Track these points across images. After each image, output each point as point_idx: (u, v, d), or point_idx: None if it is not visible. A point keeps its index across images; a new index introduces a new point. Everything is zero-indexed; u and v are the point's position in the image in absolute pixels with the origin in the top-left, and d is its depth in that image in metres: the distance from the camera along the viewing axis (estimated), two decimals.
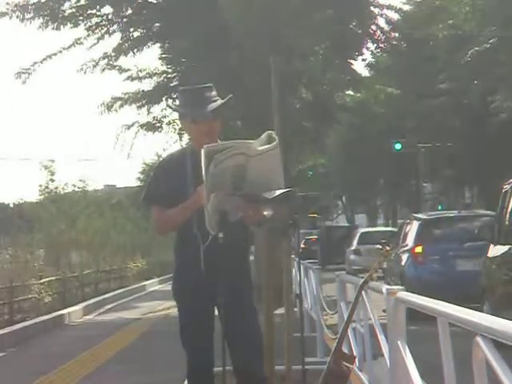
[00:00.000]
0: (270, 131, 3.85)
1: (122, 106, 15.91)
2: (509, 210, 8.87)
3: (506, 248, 8.55)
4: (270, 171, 3.74)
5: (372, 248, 22.86)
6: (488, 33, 27.85)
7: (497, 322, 2.33)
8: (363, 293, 5.55)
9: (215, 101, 4.10)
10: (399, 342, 3.87)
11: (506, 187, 8.97)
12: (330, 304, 10.00)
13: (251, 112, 14.81)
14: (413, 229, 13.45)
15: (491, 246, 9.20)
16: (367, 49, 16.91)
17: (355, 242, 27.40)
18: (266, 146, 3.71)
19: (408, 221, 14.52)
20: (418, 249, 12.86)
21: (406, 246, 13.24)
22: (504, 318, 2.35)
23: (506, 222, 8.96)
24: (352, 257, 27.21)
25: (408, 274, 12.77)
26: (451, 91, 31.11)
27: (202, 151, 3.64)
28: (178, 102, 4.40)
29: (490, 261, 9.24)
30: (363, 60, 17.32)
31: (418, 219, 13.86)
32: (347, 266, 26.59)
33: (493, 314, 2.67)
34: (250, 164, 3.65)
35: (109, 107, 15.92)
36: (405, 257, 13.07)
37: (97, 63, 15.06)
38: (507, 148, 31.10)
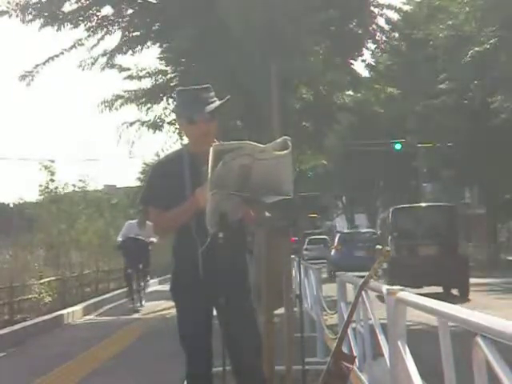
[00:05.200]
0: (287, 137, 3.79)
1: (122, 104, 15.89)
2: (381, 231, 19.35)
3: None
4: (276, 177, 3.71)
5: (314, 247, 44.21)
6: (488, 33, 27.84)
7: (497, 322, 2.33)
8: (363, 293, 5.55)
9: (213, 102, 4.08)
10: (399, 342, 3.87)
11: (383, 215, 16.23)
12: (330, 304, 10.01)
13: (251, 112, 14.80)
14: (337, 236, 30.47)
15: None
16: (367, 49, 16.91)
17: (306, 243, 44.90)
18: (277, 153, 3.69)
19: (336, 233, 33.08)
20: (338, 246, 28.11)
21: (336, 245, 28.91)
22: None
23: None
24: (304, 252, 42.28)
25: (333, 258, 27.59)
26: (451, 91, 31.10)
27: (211, 150, 3.61)
28: (175, 103, 4.38)
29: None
30: (363, 61, 17.27)
31: (339, 232, 33.28)
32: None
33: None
34: (255, 166, 3.63)
35: (109, 105, 15.89)
36: (333, 250, 28.56)
37: (96, 60, 15.04)
38: (507, 148, 31.10)
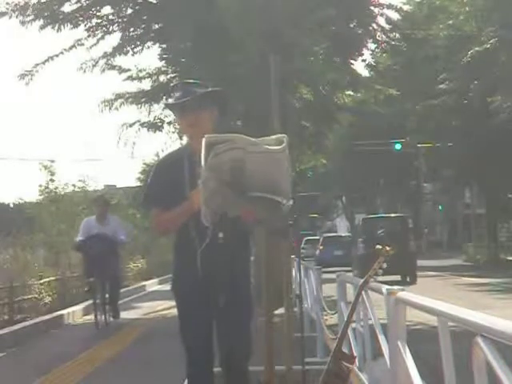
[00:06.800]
0: (283, 135, 3.78)
1: (122, 104, 15.88)
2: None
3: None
4: (271, 174, 3.65)
5: (309, 247, 43.53)
6: (488, 33, 27.86)
7: (497, 322, 2.33)
8: (363, 293, 5.55)
9: None
10: (399, 342, 3.87)
11: (359, 221, 25.12)
12: (330, 304, 10.00)
13: (251, 112, 14.80)
14: (320, 239, 37.03)
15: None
16: (367, 49, 16.90)
17: (303, 243, 46.34)
18: (269, 147, 3.65)
19: (322, 236, 39.31)
20: (321, 247, 34.72)
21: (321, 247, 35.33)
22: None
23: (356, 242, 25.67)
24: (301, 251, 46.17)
25: (318, 256, 33.11)
26: (451, 91, 31.10)
27: (203, 141, 3.60)
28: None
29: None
30: (363, 61, 17.26)
31: (323, 236, 38.73)
32: None
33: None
34: (248, 160, 3.59)
35: (109, 105, 15.89)
36: (317, 250, 34.81)
37: (96, 62, 15.05)
38: (507, 148, 31.10)
